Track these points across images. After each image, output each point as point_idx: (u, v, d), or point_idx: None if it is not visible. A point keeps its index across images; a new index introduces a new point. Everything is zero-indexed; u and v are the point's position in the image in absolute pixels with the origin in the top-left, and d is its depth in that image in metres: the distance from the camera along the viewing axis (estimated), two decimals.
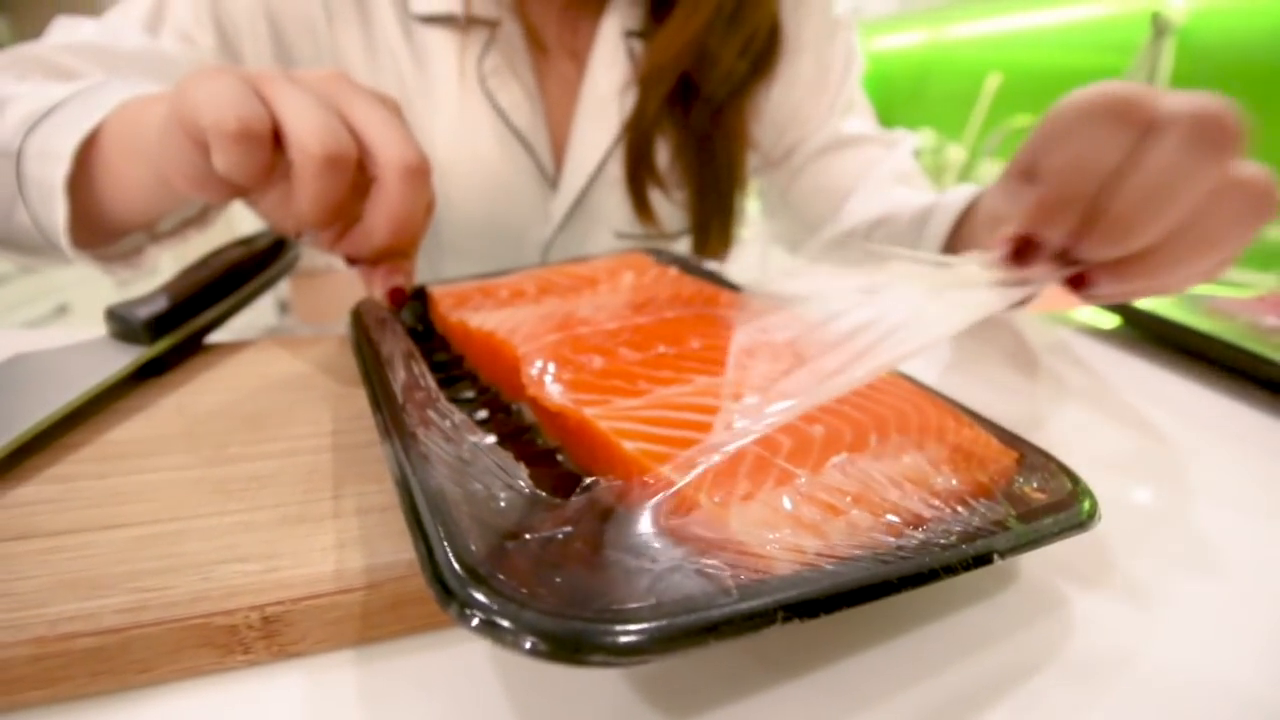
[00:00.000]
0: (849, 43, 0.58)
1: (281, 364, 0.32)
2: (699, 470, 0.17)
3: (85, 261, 0.36)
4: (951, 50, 2.48)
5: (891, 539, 0.16)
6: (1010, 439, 0.22)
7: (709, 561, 0.14)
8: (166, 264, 0.47)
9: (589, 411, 0.19)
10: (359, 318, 0.30)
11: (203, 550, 0.19)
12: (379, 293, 0.30)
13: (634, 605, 0.13)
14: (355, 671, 0.17)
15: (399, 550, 0.19)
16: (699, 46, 0.48)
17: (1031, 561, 0.22)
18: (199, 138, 0.24)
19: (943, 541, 0.16)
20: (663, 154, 0.53)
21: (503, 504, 0.16)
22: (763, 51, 0.51)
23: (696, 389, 0.21)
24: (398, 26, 0.49)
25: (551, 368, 0.22)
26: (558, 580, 0.14)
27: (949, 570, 0.15)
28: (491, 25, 0.49)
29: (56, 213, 0.33)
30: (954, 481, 0.18)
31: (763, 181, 0.63)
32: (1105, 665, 0.18)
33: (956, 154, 2.29)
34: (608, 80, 0.52)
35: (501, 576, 0.13)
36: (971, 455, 0.20)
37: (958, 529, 0.16)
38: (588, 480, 0.18)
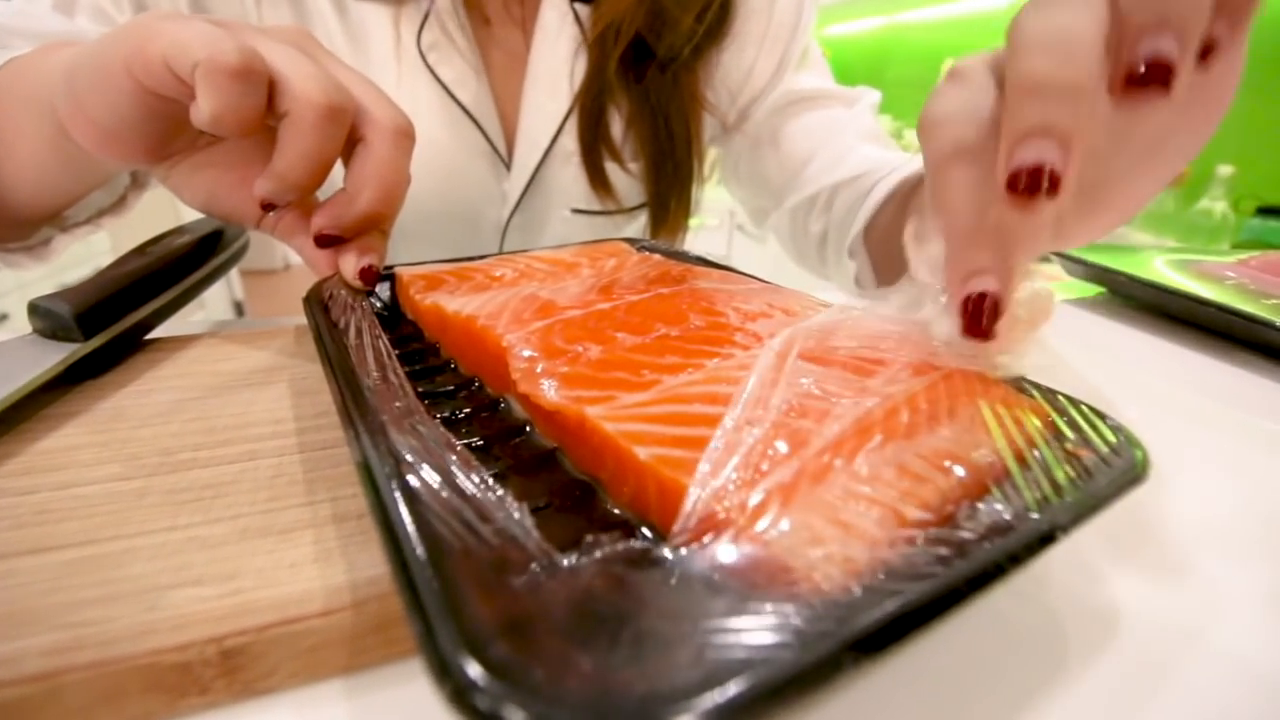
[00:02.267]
0: (803, 8, 0.56)
1: (235, 359, 0.29)
2: (721, 481, 0.15)
3: None
4: (907, 35, 2.50)
5: (947, 533, 0.14)
6: (1045, 393, 0.20)
7: (753, 602, 0.12)
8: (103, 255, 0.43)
9: (591, 411, 0.17)
10: (318, 304, 0.27)
11: (148, 573, 0.16)
12: (351, 271, 0.27)
13: (680, 687, 0.11)
14: (340, 709, 0.15)
15: (382, 563, 0.16)
16: (651, 3, 0.46)
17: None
18: (166, 78, 0.23)
19: (1006, 519, 0.14)
20: (616, 125, 0.50)
21: (509, 567, 0.14)
22: (716, 10, 0.49)
23: (709, 375, 0.19)
24: (329, 1, 0.46)
25: (543, 359, 0.20)
26: (585, 666, 0.11)
27: (1015, 560, 0.13)
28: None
29: None
30: (996, 450, 0.17)
31: (721, 149, 0.61)
32: (1150, 641, 0.17)
33: (914, 138, 2.32)
34: (555, 50, 0.49)
35: (520, 667, 0.11)
36: (1008, 416, 0.18)
37: (1012, 507, 0.15)
38: (588, 537, 0.15)
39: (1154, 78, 0.18)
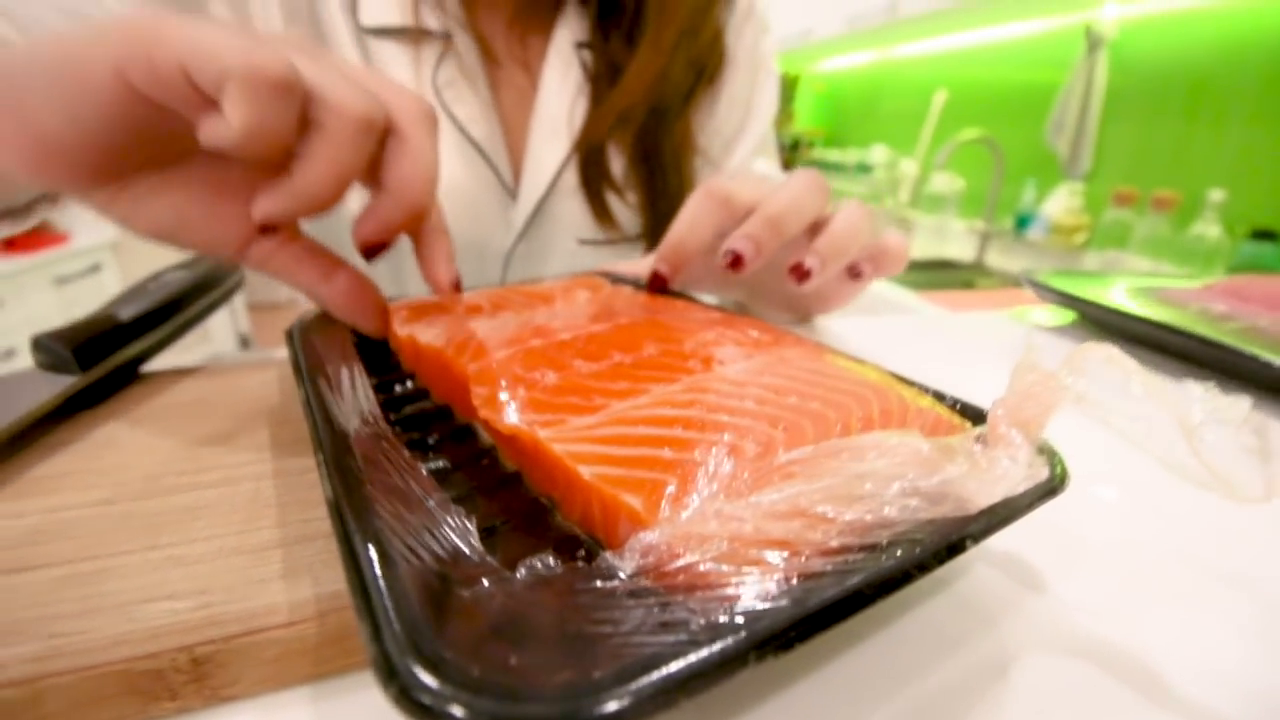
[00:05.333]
0: (771, 78, 0.59)
1: (223, 392, 0.30)
2: (658, 497, 0.16)
3: None
4: (899, 69, 2.56)
5: (859, 540, 0.15)
6: (970, 411, 0.21)
7: (673, 605, 0.13)
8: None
9: (542, 434, 0.18)
10: (301, 335, 0.28)
11: (127, 589, 0.17)
12: (446, 279, 0.28)
13: (596, 678, 0.12)
14: (303, 714, 0.16)
15: (344, 579, 0.18)
16: (662, 80, 0.48)
17: (1001, 541, 0.22)
18: (177, 86, 0.20)
19: (915, 535, 0.15)
20: (617, 161, 0.53)
21: (455, 580, 0.15)
22: (710, 64, 0.52)
23: (653, 399, 0.20)
24: (352, 40, 0.49)
25: (504, 386, 0.21)
26: (513, 661, 0.12)
27: (922, 569, 0.15)
28: (444, 38, 0.49)
29: None
30: (916, 461, 0.18)
31: None
32: (1079, 650, 0.18)
33: (909, 167, 2.36)
34: (561, 92, 0.52)
35: (452, 659, 0.12)
36: (935, 432, 0.19)
37: (926, 516, 0.16)
38: (530, 559, 0.16)
39: (801, 275, 0.31)
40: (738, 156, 0.58)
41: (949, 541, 0.15)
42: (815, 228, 0.33)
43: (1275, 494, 0.16)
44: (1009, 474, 0.16)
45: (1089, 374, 0.19)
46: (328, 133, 0.22)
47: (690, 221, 0.34)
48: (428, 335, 0.27)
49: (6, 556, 0.19)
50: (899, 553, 0.15)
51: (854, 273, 0.35)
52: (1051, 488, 0.17)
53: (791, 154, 2.86)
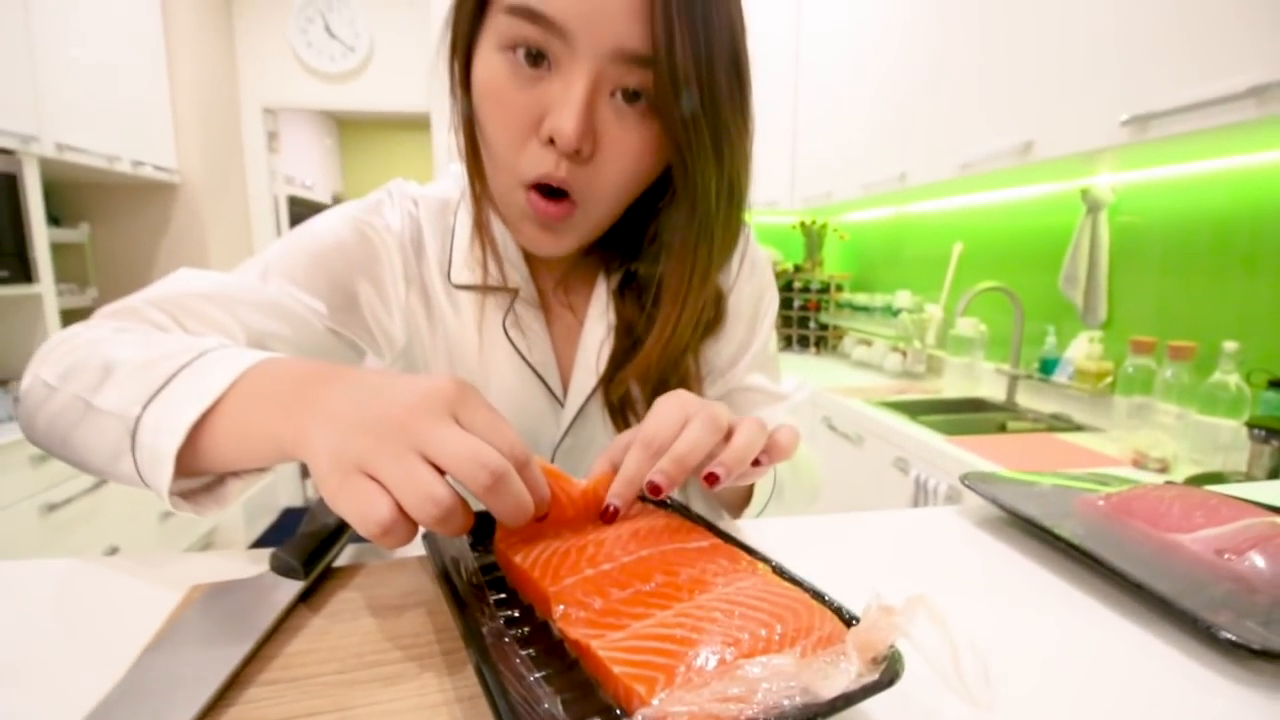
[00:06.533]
0: (768, 320, 0.77)
1: (385, 584, 0.46)
2: (656, 685, 0.30)
3: (181, 508, 0.44)
4: (918, 222, 2.78)
5: (762, 714, 0.29)
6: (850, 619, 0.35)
7: None
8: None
9: (594, 644, 0.33)
10: (433, 546, 0.44)
11: None
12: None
13: None
14: None
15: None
16: (673, 343, 0.65)
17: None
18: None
19: (789, 713, 0.29)
20: (634, 387, 0.70)
21: None
22: (712, 319, 0.70)
23: (656, 622, 0.35)
24: (444, 294, 0.69)
25: (572, 606, 0.36)
26: None
27: None
28: (512, 291, 0.69)
29: (163, 474, 0.41)
30: (806, 667, 0.31)
31: None
32: None
33: (934, 312, 2.52)
34: (598, 329, 0.70)
35: None
36: (833, 636, 0.33)
37: (799, 701, 0.29)
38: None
39: (711, 482, 0.45)
40: (737, 373, 0.75)
41: (806, 715, 0.29)
42: (727, 436, 0.47)
43: (989, 708, 0.29)
44: (846, 675, 0.30)
45: (915, 617, 0.32)
46: (482, 494, 0.37)
47: (625, 469, 0.46)
48: (518, 558, 0.42)
49: (282, 711, 0.34)
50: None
51: (754, 463, 0.48)
52: (879, 684, 0.31)
53: (821, 297, 3.06)
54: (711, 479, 0.45)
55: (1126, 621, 0.44)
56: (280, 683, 0.36)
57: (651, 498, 0.46)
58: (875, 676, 0.31)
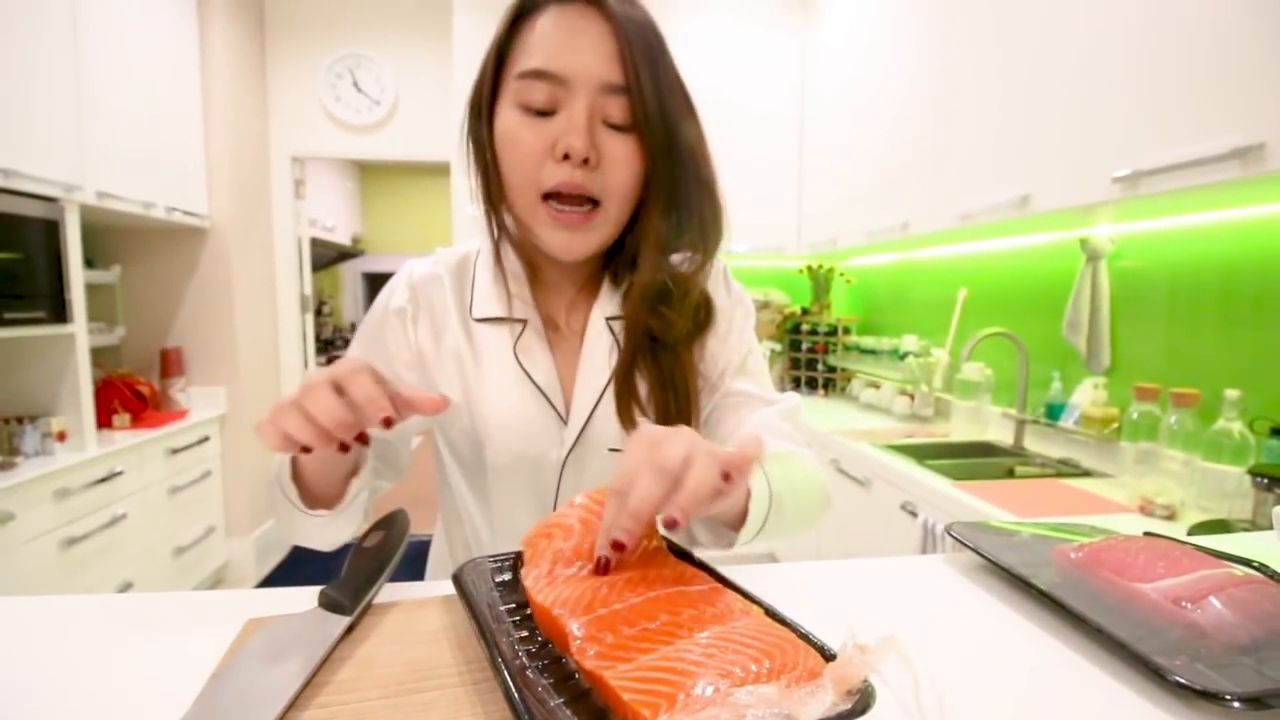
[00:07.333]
0: (747, 322, 0.84)
1: (420, 619, 0.52)
2: (659, 711, 0.35)
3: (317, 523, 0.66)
4: (923, 268, 2.84)
5: None
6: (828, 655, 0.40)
7: None
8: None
9: (607, 674, 0.38)
10: (460, 585, 0.50)
11: None
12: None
13: None
14: None
15: None
16: (650, 308, 0.75)
17: None
18: None
19: None
20: (642, 388, 0.77)
21: None
22: (701, 314, 0.78)
23: (660, 655, 0.40)
24: (461, 327, 0.78)
25: (588, 641, 0.41)
26: None
27: None
28: (523, 322, 0.78)
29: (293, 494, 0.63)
30: (788, 696, 0.36)
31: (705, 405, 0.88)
32: None
33: (940, 356, 2.56)
34: (596, 350, 0.78)
35: None
36: (815, 672, 0.38)
37: None
38: None
39: (671, 525, 0.47)
40: (725, 380, 0.81)
41: None
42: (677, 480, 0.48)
43: None
44: (823, 704, 0.35)
45: (886, 656, 0.37)
46: None
47: (607, 521, 0.50)
48: (539, 595, 0.47)
49: None
50: None
51: (726, 479, 0.49)
52: (851, 712, 0.36)
53: (829, 339, 3.12)
54: (670, 524, 0.48)
55: (1089, 664, 0.48)
56: (333, 705, 0.41)
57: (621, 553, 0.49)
58: (849, 706, 0.36)
